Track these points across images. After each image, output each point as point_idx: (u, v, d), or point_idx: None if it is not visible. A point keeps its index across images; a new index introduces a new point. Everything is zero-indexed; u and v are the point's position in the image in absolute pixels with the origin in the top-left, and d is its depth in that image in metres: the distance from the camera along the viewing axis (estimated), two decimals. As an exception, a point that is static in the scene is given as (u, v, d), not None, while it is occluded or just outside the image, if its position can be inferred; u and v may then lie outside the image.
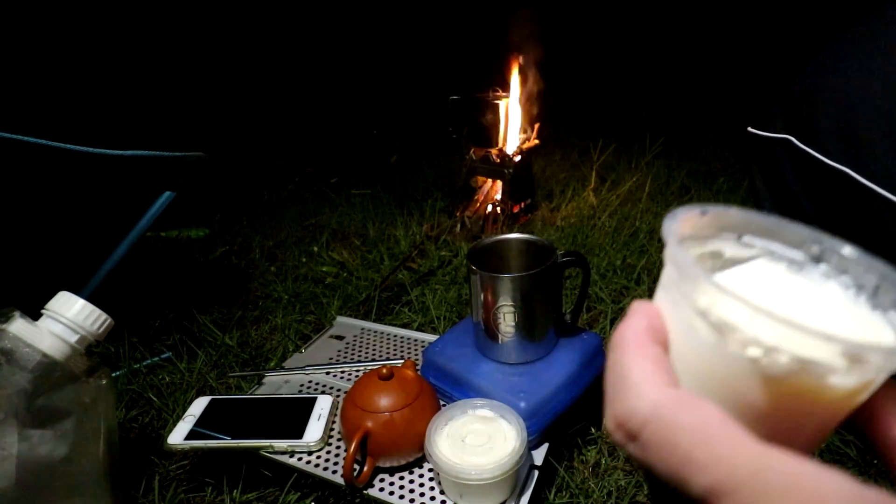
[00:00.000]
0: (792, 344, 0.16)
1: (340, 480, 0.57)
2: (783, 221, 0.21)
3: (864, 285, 0.20)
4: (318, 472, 0.59)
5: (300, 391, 0.73)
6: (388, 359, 0.79)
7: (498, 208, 1.42)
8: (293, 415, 0.65)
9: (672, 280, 0.20)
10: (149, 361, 0.90)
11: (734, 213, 0.22)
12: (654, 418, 0.16)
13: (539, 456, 0.60)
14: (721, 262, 0.22)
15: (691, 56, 2.84)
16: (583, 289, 0.69)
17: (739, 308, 0.17)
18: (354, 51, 2.94)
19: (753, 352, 0.17)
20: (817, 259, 0.21)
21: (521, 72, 1.41)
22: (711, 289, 0.17)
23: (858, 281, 0.20)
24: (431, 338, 0.81)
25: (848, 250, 0.20)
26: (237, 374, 0.86)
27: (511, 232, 0.85)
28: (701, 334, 0.19)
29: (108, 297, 0.72)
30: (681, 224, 0.21)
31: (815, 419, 0.18)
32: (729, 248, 0.22)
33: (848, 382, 0.17)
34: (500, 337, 0.65)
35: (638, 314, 0.20)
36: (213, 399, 0.68)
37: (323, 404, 0.66)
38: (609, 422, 0.18)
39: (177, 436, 0.61)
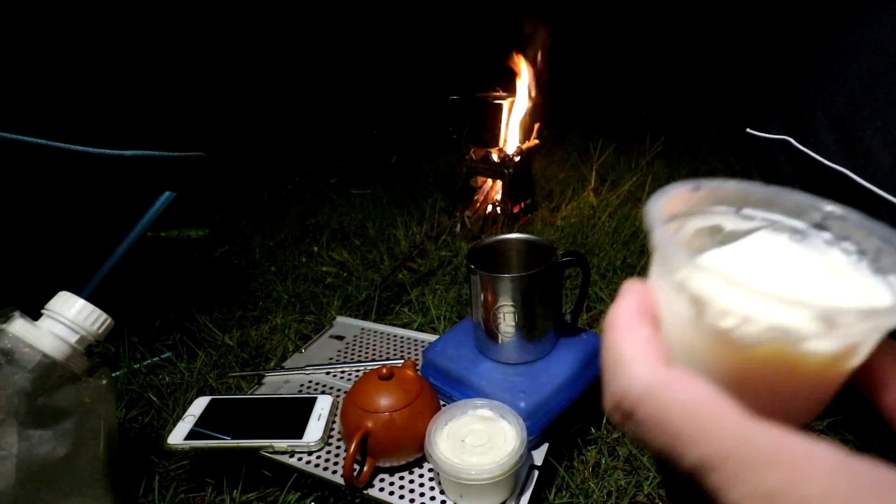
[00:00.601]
0: (763, 311, 0.17)
1: (340, 480, 0.57)
2: (782, 191, 0.21)
3: (865, 250, 0.20)
4: (318, 472, 0.59)
5: (300, 391, 0.73)
6: (388, 359, 0.79)
7: (498, 208, 1.42)
8: (293, 415, 0.65)
9: (655, 257, 0.20)
10: (149, 361, 0.90)
11: (731, 187, 0.22)
12: (645, 396, 0.17)
13: (539, 456, 0.60)
14: (722, 236, 0.22)
15: (691, 56, 2.84)
16: (583, 289, 0.69)
17: (709, 279, 0.17)
18: (354, 51, 2.94)
19: (728, 322, 0.17)
20: (819, 227, 0.21)
21: (522, 71, 1.41)
22: (684, 262, 0.18)
23: (860, 246, 0.20)
24: (431, 338, 0.81)
25: (849, 216, 0.20)
26: (237, 374, 0.86)
27: (511, 232, 0.85)
28: (681, 309, 0.19)
29: (108, 297, 0.72)
30: (669, 201, 0.21)
31: (803, 388, 0.18)
32: (729, 222, 0.22)
33: (826, 347, 0.17)
34: (500, 337, 0.65)
35: (627, 294, 0.20)
36: (213, 399, 0.68)
37: (323, 404, 0.66)
38: (607, 402, 0.19)
39: (177, 436, 0.61)
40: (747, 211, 0.22)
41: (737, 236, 0.22)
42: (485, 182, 1.49)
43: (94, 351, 0.88)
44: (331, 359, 0.80)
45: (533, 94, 1.42)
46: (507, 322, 0.64)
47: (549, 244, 0.67)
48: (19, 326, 0.52)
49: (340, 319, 0.91)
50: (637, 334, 0.19)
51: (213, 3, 2.43)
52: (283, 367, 0.78)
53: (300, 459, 0.61)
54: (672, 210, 0.21)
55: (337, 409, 0.67)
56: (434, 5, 2.96)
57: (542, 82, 1.42)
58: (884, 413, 0.19)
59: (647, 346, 0.18)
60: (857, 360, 0.18)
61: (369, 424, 0.57)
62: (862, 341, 0.17)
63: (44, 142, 0.71)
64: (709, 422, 0.15)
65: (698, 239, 0.22)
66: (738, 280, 0.16)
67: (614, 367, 0.19)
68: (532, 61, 1.41)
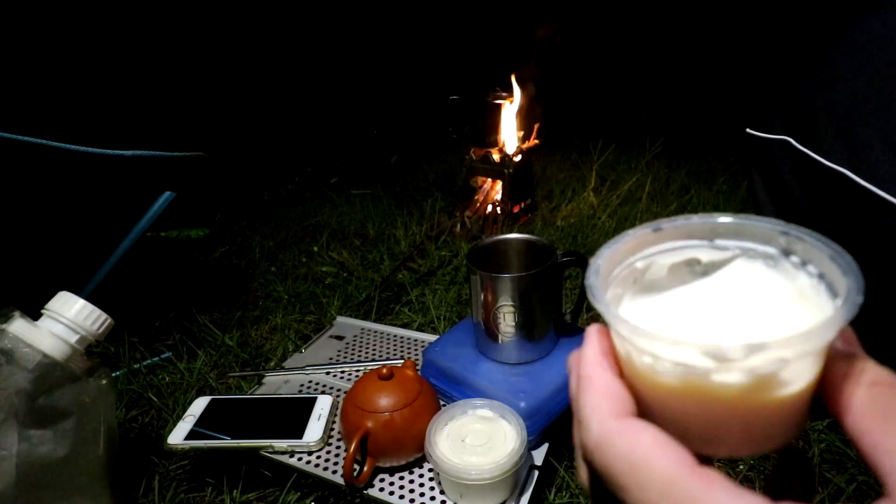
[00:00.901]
0: (663, 350, 0.18)
1: (340, 480, 0.57)
2: (748, 219, 0.22)
3: (824, 273, 0.20)
4: (318, 472, 0.59)
5: (300, 391, 0.73)
6: (388, 359, 0.79)
7: (498, 208, 1.42)
8: (293, 415, 0.65)
9: None
10: (149, 361, 0.90)
11: (697, 221, 0.23)
12: (597, 449, 0.19)
13: (539, 456, 0.60)
14: (702, 268, 0.23)
15: (691, 57, 2.84)
16: (583, 289, 0.69)
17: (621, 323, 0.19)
18: (354, 51, 2.94)
19: (647, 359, 0.19)
20: (786, 252, 0.22)
21: (522, 72, 1.41)
22: (603, 311, 0.19)
23: (820, 269, 0.20)
24: (431, 338, 0.81)
25: (806, 237, 0.21)
26: (237, 374, 0.86)
27: (511, 232, 0.85)
28: (620, 347, 0.21)
29: (108, 297, 0.72)
30: (627, 244, 0.22)
31: (745, 418, 0.19)
32: (704, 254, 0.23)
33: (734, 379, 0.18)
34: (500, 337, 0.65)
35: (588, 342, 0.22)
36: (213, 399, 0.68)
37: (323, 404, 0.66)
38: (576, 453, 0.21)
39: (177, 436, 0.61)
40: (720, 241, 0.23)
41: (716, 266, 0.23)
42: (485, 182, 1.49)
43: (94, 351, 0.88)
44: (331, 359, 0.80)
45: (532, 94, 1.42)
46: (507, 322, 0.64)
47: (549, 244, 0.67)
48: (19, 326, 0.52)
49: (340, 319, 0.91)
50: (594, 387, 0.20)
51: (213, 3, 2.43)
52: (283, 367, 0.78)
53: (300, 459, 0.61)
54: (636, 250, 0.23)
55: (337, 409, 0.67)
56: (434, 6, 2.96)
57: (542, 82, 1.42)
58: (851, 440, 0.19)
59: (602, 397, 0.20)
60: (791, 388, 0.18)
61: (369, 424, 0.57)
62: (775, 371, 0.18)
63: (44, 142, 0.71)
64: (640, 472, 0.17)
65: (677, 273, 0.23)
66: (635, 325, 0.18)
67: (577, 421, 0.20)
68: (531, 62, 1.41)
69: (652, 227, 0.23)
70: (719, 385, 0.18)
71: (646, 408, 0.20)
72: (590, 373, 0.21)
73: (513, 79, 1.40)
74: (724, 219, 0.22)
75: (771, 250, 0.22)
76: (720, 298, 0.22)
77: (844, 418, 0.18)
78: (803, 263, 0.21)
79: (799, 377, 0.18)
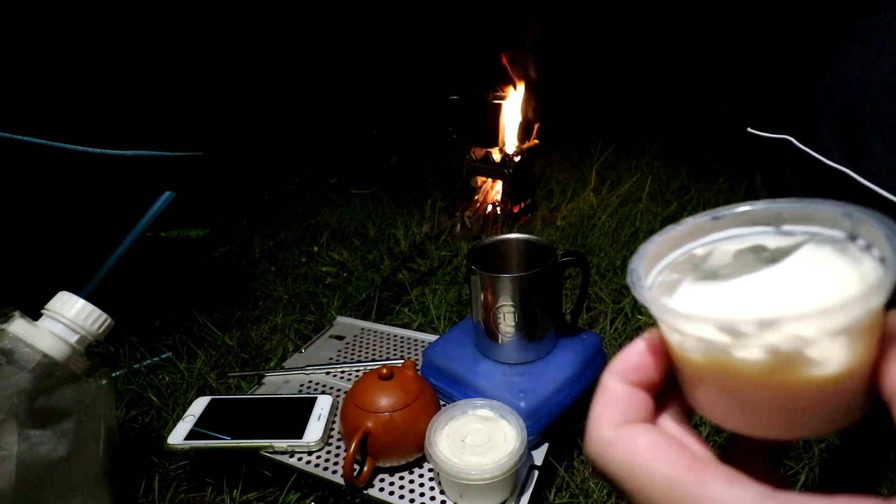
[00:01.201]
0: (685, 326, 0.18)
1: (340, 480, 0.57)
2: (814, 204, 0.21)
3: (885, 257, 0.19)
4: (318, 472, 0.59)
5: (300, 391, 0.73)
6: (388, 359, 0.79)
7: (498, 208, 1.42)
8: (293, 415, 0.65)
9: None
10: (149, 361, 0.90)
11: (762, 207, 0.22)
12: (598, 458, 0.20)
13: (539, 456, 0.60)
14: (770, 254, 0.22)
15: (691, 56, 2.84)
16: (583, 289, 0.69)
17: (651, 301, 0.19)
18: (354, 51, 2.94)
19: (677, 337, 0.19)
20: (853, 236, 0.21)
21: (521, 72, 1.41)
22: (635, 293, 0.20)
23: (882, 252, 0.20)
24: (431, 338, 0.81)
25: (867, 218, 0.20)
26: (237, 374, 0.86)
27: (511, 232, 0.85)
28: (663, 330, 0.21)
29: (108, 297, 0.72)
30: (682, 232, 0.22)
31: (776, 399, 0.18)
32: (770, 240, 0.22)
33: (753, 356, 0.17)
34: (500, 337, 0.65)
35: (623, 350, 0.22)
36: (213, 399, 0.68)
37: (323, 404, 0.66)
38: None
39: (177, 436, 0.61)
40: (787, 227, 0.22)
41: (785, 253, 0.22)
42: (485, 182, 1.49)
43: (94, 351, 0.88)
44: (331, 359, 0.80)
45: (532, 94, 1.42)
46: (507, 322, 0.64)
47: (549, 244, 0.67)
48: (19, 326, 0.52)
49: (340, 319, 0.91)
50: (603, 395, 0.21)
51: (212, 3, 2.43)
52: (283, 367, 0.78)
53: (300, 459, 0.61)
54: (694, 237, 0.23)
55: (337, 409, 0.67)
56: (434, 5, 2.96)
57: (541, 82, 1.42)
58: (890, 414, 0.18)
59: (608, 405, 0.21)
60: (824, 369, 0.18)
61: (369, 424, 0.57)
62: (798, 349, 0.17)
63: (44, 142, 0.71)
64: (641, 476, 0.18)
65: (743, 260, 0.23)
66: (663, 304, 0.19)
67: (587, 425, 0.21)
68: (530, 61, 1.41)
69: (710, 216, 0.22)
70: (740, 362, 0.18)
71: (685, 387, 0.21)
72: (603, 381, 0.22)
73: (510, 74, 1.40)
74: (790, 203, 0.22)
75: (838, 234, 0.21)
76: (788, 285, 0.21)
77: (892, 408, 0.18)
78: (868, 247, 0.20)
79: (832, 358, 0.17)
